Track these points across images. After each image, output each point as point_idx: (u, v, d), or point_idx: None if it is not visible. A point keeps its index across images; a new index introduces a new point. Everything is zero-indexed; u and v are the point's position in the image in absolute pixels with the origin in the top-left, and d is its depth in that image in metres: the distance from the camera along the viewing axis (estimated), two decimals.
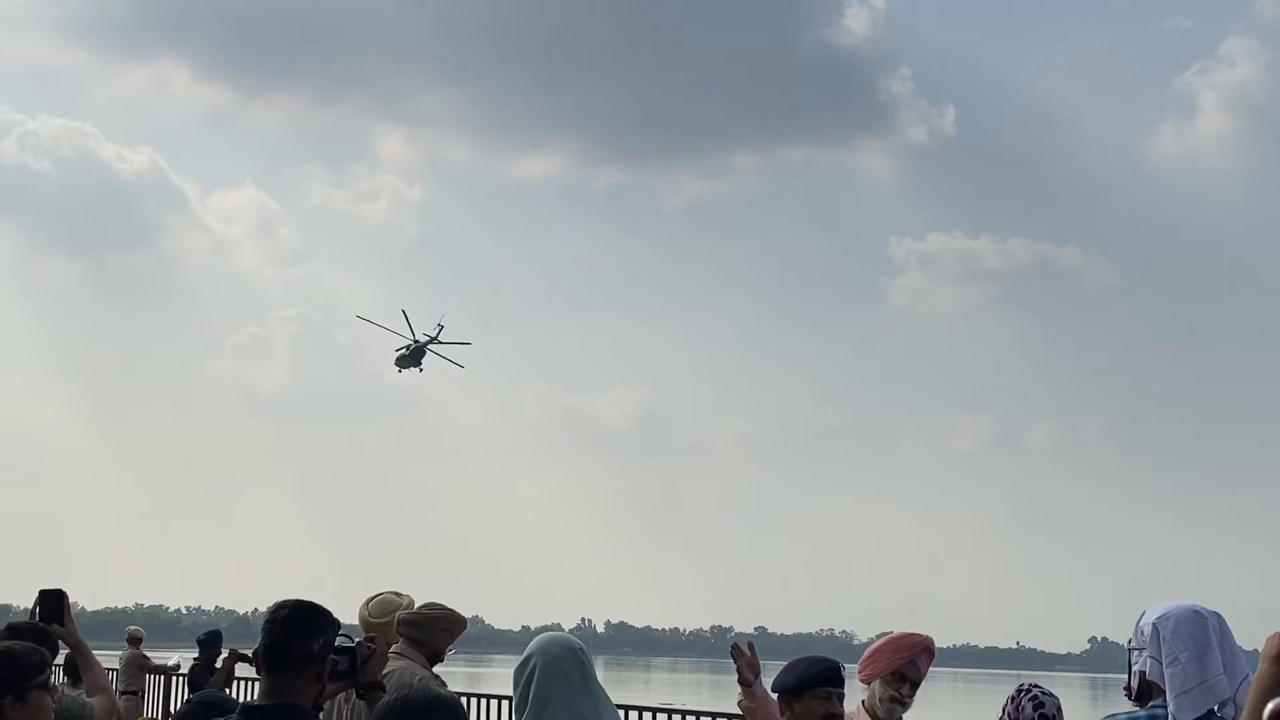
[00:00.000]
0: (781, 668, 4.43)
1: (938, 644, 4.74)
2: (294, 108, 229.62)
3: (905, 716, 4.63)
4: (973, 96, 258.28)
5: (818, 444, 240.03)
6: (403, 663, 5.30)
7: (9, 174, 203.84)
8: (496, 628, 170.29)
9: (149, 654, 16.06)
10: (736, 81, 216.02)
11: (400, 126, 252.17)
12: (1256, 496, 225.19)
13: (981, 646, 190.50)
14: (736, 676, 4.56)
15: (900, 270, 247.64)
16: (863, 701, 4.63)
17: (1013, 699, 4.72)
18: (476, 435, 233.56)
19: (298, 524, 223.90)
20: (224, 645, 12.52)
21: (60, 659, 7.13)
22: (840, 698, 4.27)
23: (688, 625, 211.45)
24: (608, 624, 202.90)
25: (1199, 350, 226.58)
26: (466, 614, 5.80)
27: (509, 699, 9.86)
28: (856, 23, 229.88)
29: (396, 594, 5.87)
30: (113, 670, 14.03)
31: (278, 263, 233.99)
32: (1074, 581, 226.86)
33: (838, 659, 4.42)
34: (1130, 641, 3.72)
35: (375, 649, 4.40)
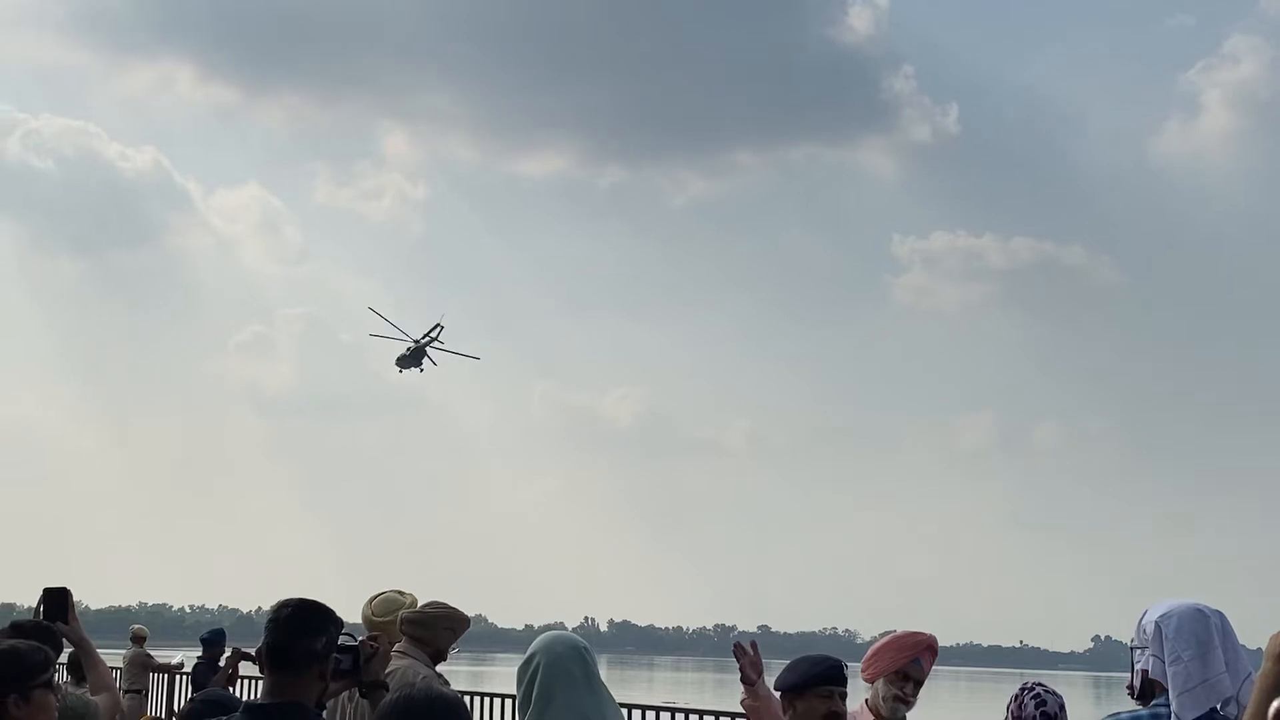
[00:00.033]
0: (784, 666, 4.43)
1: (940, 643, 4.73)
2: (298, 106, 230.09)
3: (909, 715, 4.63)
4: (976, 95, 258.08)
5: (821, 442, 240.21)
6: (406, 661, 5.31)
7: (12, 173, 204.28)
8: (500, 626, 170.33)
9: (153, 652, 16.09)
10: (739, 80, 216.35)
11: (404, 125, 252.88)
12: (1260, 495, 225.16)
13: (985, 645, 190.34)
14: (740, 675, 4.56)
15: (904, 269, 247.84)
16: (866, 700, 4.63)
17: (1016, 697, 4.72)
18: (480, 434, 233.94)
19: (301, 522, 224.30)
20: (227, 644, 12.52)
21: (64, 657, 7.15)
22: (843, 696, 4.27)
23: (691, 624, 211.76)
24: (611, 622, 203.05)
25: (1203, 349, 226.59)
26: (469, 612, 5.81)
27: (512, 697, 9.87)
28: (860, 21, 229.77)
29: (399, 592, 5.87)
30: (117, 669, 14.06)
31: (281, 261, 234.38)
32: (1077, 580, 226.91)
33: (840, 658, 4.42)
34: (1133, 640, 3.72)
35: (378, 648, 4.39)
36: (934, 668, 4.68)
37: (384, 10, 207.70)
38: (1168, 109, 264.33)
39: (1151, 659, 3.60)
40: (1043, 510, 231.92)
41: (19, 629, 4.41)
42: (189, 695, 13.39)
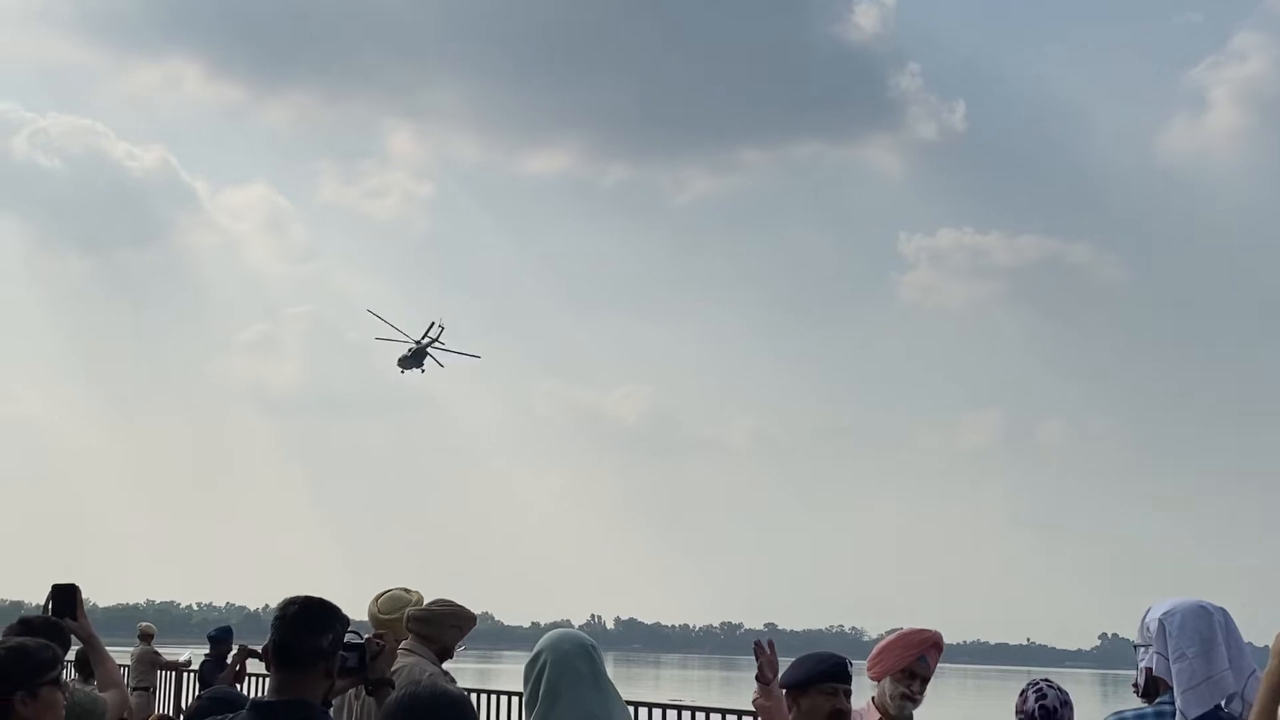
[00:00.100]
0: (789, 664, 4.43)
1: (947, 640, 4.74)
2: (304, 105, 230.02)
3: (916, 712, 4.64)
4: (982, 92, 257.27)
5: (826, 440, 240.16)
6: (412, 659, 5.31)
7: (20, 172, 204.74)
8: (506, 624, 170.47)
9: (160, 650, 16.12)
10: (745, 77, 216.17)
11: (410, 123, 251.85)
12: (1266, 493, 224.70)
13: (991, 643, 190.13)
14: (756, 673, 4.56)
15: (910, 267, 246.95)
16: (873, 698, 4.63)
17: (1022, 693, 4.73)
18: (485, 432, 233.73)
19: (307, 521, 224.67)
20: (234, 641, 12.56)
21: (71, 655, 7.17)
22: (847, 694, 4.27)
23: (697, 622, 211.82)
24: (617, 620, 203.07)
25: (1209, 347, 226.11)
26: (476, 610, 5.81)
27: (519, 695, 9.85)
28: (866, 18, 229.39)
29: (406, 590, 5.87)
30: (124, 666, 14.09)
31: (288, 260, 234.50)
32: (1084, 578, 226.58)
33: (846, 655, 4.42)
34: (1137, 638, 3.73)
35: (384, 645, 4.40)
36: (941, 665, 4.68)
37: (389, 9, 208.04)
38: (1174, 106, 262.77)
39: (1156, 656, 3.60)
40: (1049, 508, 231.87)
41: (28, 625, 4.41)
42: (196, 692, 13.42)
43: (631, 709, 9.11)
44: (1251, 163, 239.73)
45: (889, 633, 4.82)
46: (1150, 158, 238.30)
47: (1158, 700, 3.60)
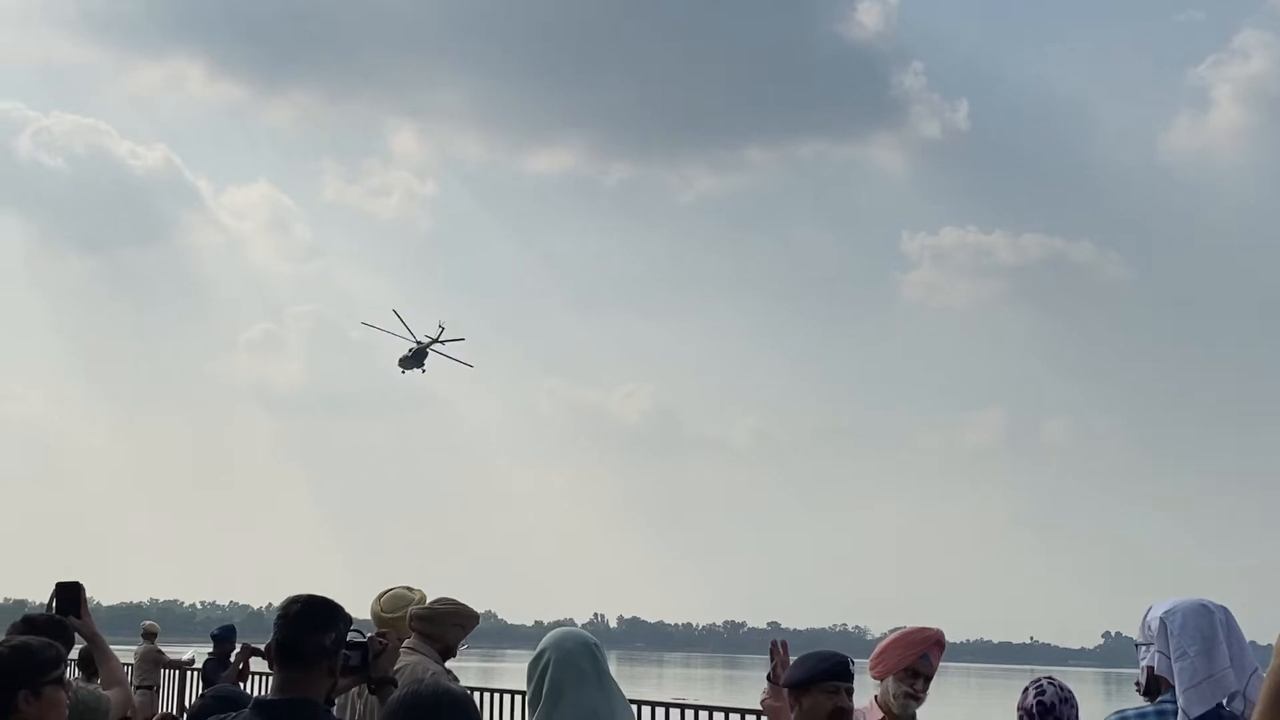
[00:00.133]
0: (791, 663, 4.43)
1: (951, 639, 4.74)
2: (307, 104, 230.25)
3: (919, 711, 4.64)
4: (985, 91, 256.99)
5: (829, 439, 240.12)
6: (415, 658, 5.32)
7: (23, 171, 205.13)
8: (509, 623, 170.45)
9: (164, 649, 16.14)
10: (748, 76, 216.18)
11: (413, 122, 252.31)
12: (1269, 491, 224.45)
13: (995, 642, 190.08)
14: (768, 673, 4.56)
15: (913, 265, 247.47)
16: (876, 697, 4.63)
17: (1024, 690, 4.74)
18: (488, 430, 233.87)
19: (310, 519, 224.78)
20: (238, 640, 12.57)
21: (74, 653, 7.17)
22: (849, 692, 4.26)
23: (700, 620, 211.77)
24: (620, 619, 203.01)
25: (1212, 346, 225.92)
26: (479, 609, 5.81)
27: (522, 694, 9.87)
28: (869, 17, 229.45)
29: (408, 589, 5.87)
30: (128, 665, 14.10)
31: (291, 259, 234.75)
32: (1087, 577, 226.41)
33: (848, 654, 4.42)
34: (1138, 637, 3.73)
35: (387, 644, 4.41)
36: (943, 664, 4.68)
37: (392, 8, 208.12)
38: (1177, 104, 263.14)
39: (1157, 655, 3.60)
40: (1052, 506, 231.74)
41: (32, 623, 4.42)
42: (200, 691, 13.42)
43: (635, 708, 9.12)
44: (1254, 161, 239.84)
45: (891, 631, 4.82)
46: (1153, 156, 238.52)
47: (1160, 699, 3.60)
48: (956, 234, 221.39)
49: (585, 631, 4.02)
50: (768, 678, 4.53)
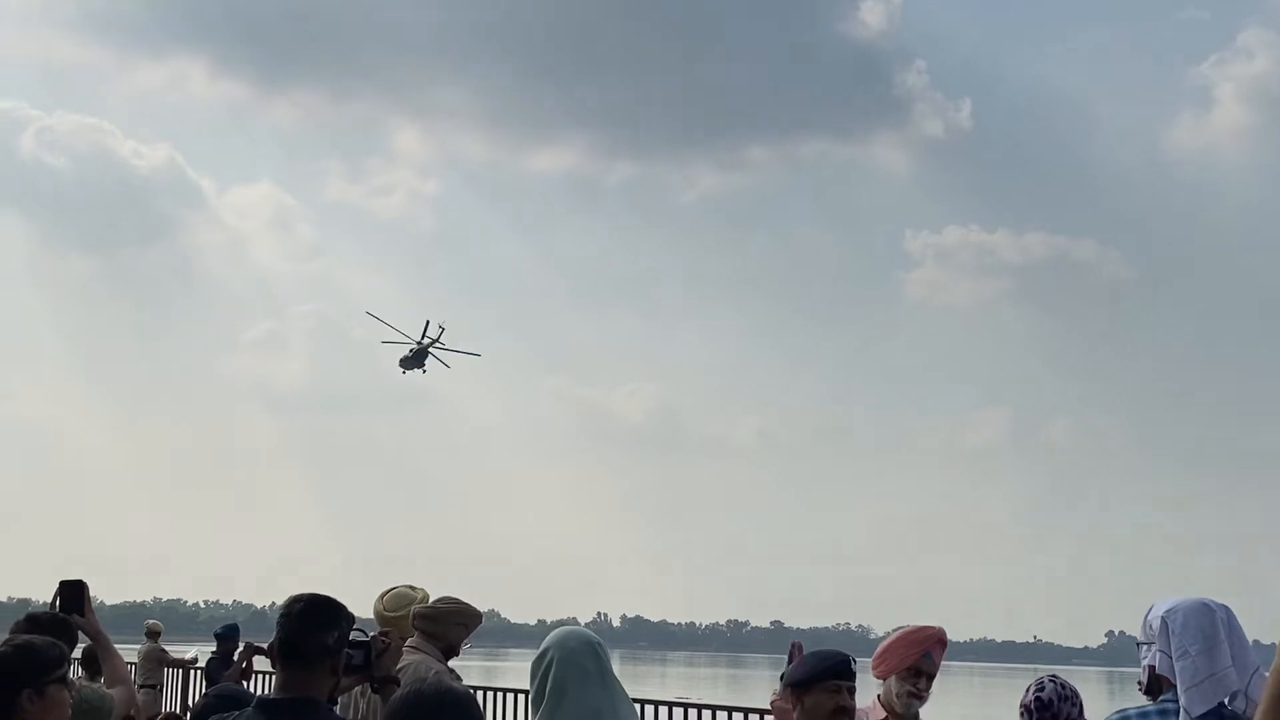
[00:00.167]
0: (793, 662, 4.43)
1: (954, 638, 4.74)
2: (310, 103, 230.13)
3: (922, 710, 4.64)
4: (988, 89, 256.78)
5: (831, 438, 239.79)
6: (417, 656, 5.32)
7: (26, 170, 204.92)
8: (512, 622, 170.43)
9: (167, 648, 16.17)
10: (751, 75, 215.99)
11: (415, 121, 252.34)
12: (1269, 491, 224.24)
13: (998, 641, 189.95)
14: (782, 673, 4.56)
15: (916, 264, 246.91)
16: (878, 696, 4.63)
17: (1028, 689, 4.74)
18: (491, 430, 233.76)
19: (313, 518, 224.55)
20: (241, 639, 12.59)
21: (77, 652, 7.18)
22: (851, 691, 4.26)
23: (704, 620, 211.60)
24: (623, 618, 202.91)
25: (1213, 346, 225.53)
26: (482, 608, 5.81)
27: (525, 693, 9.88)
28: (872, 16, 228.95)
29: (411, 588, 5.88)
30: (131, 664, 14.10)
31: (294, 258, 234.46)
32: (1091, 576, 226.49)
33: (851, 653, 4.42)
34: (1140, 636, 3.73)
35: (390, 643, 4.41)
36: (947, 663, 4.69)
37: (394, 7, 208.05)
38: (1180, 103, 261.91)
39: (1158, 654, 3.60)
40: (1056, 505, 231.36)
41: (35, 622, 4.42)
42: (203, 690, 13.44)
43: (638, 706, 9.13)
44: (1257, 160, 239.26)
45: (894, 630, 4.82)
46: (1156, 155, 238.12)
47: (1161, 698, 3.60)
48: (960, 233, 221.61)
49: (588, 630, 4.03)
50: (781, 678, 4.53)
